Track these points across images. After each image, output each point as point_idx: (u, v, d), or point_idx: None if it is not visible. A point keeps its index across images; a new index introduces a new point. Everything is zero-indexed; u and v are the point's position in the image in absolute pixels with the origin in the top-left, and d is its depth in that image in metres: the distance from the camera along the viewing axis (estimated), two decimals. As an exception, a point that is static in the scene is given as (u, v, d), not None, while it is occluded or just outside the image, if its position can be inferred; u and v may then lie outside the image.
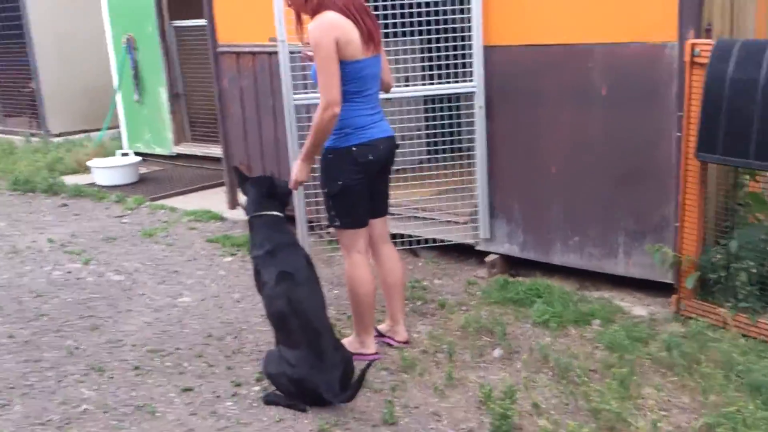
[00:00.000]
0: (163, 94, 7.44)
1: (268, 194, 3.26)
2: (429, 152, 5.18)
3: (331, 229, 3.54)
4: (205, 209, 5.80)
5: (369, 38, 2.96)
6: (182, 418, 2.85)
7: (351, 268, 3.19)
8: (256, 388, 3.07)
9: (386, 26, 4.06)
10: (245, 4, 5.03)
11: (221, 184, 6.09)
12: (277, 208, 3.26)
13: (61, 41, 9.16)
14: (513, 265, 4.23)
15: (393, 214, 4.44)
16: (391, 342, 3.39)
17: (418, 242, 4.46)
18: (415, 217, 4.49)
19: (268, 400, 2.94)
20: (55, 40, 9.13)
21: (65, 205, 6.29)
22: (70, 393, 3.06)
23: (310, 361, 2.84)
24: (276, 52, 4.34)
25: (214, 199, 6.09)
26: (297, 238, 3.61)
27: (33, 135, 9.10)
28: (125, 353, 3.43)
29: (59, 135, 9.06)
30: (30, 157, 7.98)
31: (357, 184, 3.08)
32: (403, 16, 4.22)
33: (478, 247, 4.31)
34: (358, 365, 2.96)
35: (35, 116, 9.36)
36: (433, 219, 4.43)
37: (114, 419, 2.85)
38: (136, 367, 3.28)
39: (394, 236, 4.46)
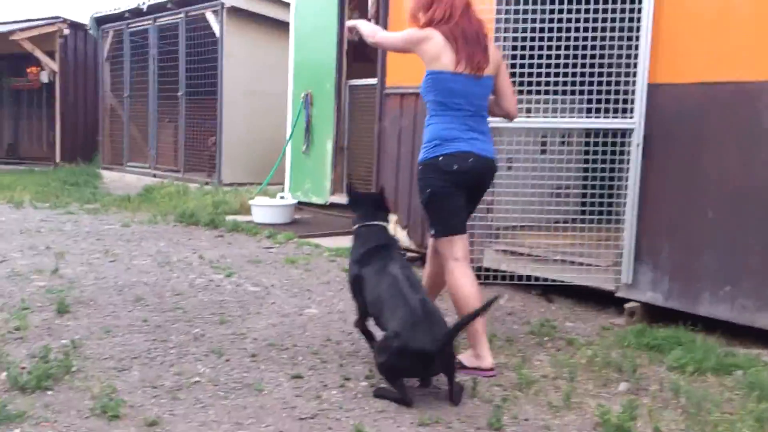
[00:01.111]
0: (329, 147, 7.83)
1: (376, 207, 3.36)
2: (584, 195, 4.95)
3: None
4: (347, 247, 5.92)
5: (468, 60, 3.14)
6: (287, 398, 2.82)
7: (450, 276, 3.24)
8: (364, 383, 3.00)
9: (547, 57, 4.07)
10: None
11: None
12: (384, 219, 3.38)
13: (247, 98, 10.02)
14: (654, 315, 3.88)
15: (530, 255, 4.30)
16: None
17: (553, 286, 4.24)
18: (553, 260, 4.29)
19: (378, 394, 2.85)
20: (243, 98, 10.00)
21: (221, 236, 6.69)
22: (187, 367, 3.13)
23: (411, 323, 2.77)
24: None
25: (357, 241, 6.23)
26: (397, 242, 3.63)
27: (207, 183, 9.87)
28: (246, 344, 3.48)
29: (230, 185, 9.76)
30: (200, 198, 8.62)
31: (445, 192, 3.18)
32: (567, 49, 4.18)
33: (618, 294, 4.01)
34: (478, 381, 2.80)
35: (212, 168, 10.17)
36: (572, 262, 4.20)
37: (222, 391, 2.87)
38: (253, 355, 3.31)
39: (525, 278, 4.30)
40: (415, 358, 2.74)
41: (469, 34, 3.18)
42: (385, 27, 5.44)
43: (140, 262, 5.29)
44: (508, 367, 3.22)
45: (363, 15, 8.17)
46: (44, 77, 13.77)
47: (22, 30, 12.89)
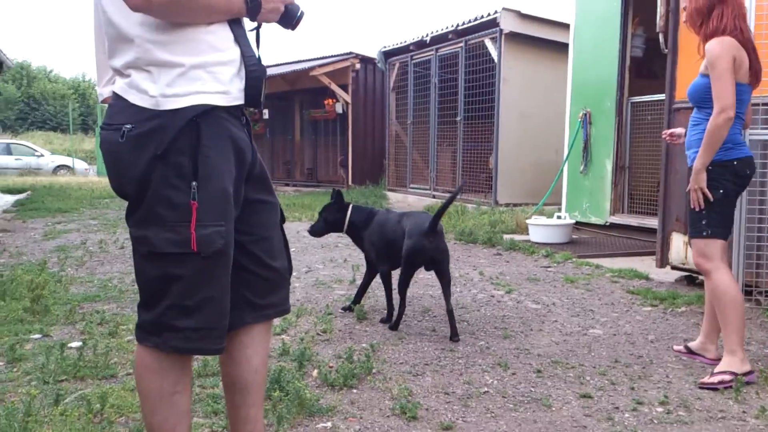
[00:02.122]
0: (608, 166, 7.59)
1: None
2: None
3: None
4: (631, 268, 5.69)
5: (754, 72, 3.19)
6: (576, 417, 2.76)
7: (722, 277, 3.18)
8: (659, 409, 2.83)
9: None
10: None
11: (651, 253, 5.91)
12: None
13: (522, 121, 10.12)
14: None
15: None
16: (703, 360, 3.44)
17: None
18: None
19: None
20: (518, 120, 10.13)
21: (499, 254, 6.80)
22: (475, 377, 3.22)
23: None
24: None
25: (641, 264, 5.97)
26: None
27: (483, 203, 10.10)
28: (530, 359, 3.49)
29: (505, 205, 9.89)
30: (477, 218, 8.86)
31: (735, 196, 3.22)
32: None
33: None
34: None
35: (489, 189, 10.40)
36: None
37: (510, 403, 2.90)
38: (538, 371, 3.30)
39: None
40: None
41: (751, 43, 3.19)
42: (674, 43, 5.18)
43: (425, 275, 5.57)
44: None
45: (647, 30, 7.81)
46: (339, 108, 15.22)
47: (320, 66, 14.42)
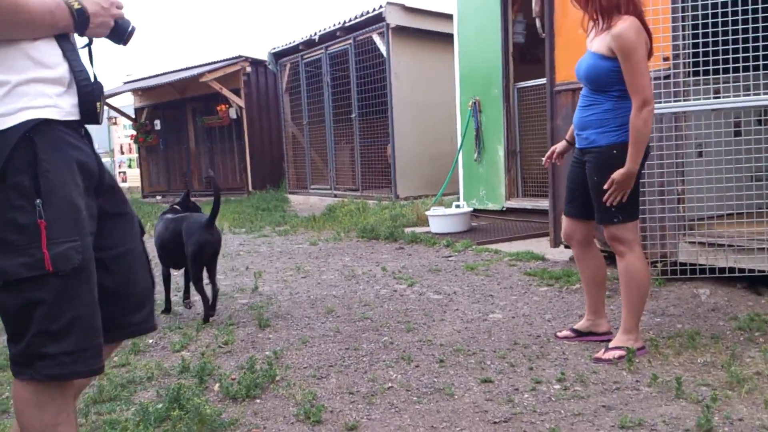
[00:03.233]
0: (501, 153, 7.78)
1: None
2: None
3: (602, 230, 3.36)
4: (527, 251, 5.85)
5: (649, 48, 3.10)
6: (478, 402, 2.80)
7: (635, 260, 3.19)
8: (557, 386, 2.91)
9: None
10: (581, 42, 5.08)
11: (546, 234, 6.09)
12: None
13: (416, 113, 10.24)
14: None
15: (731, 246, 3.97)
16: (595, 339, 3.49)
17: (761, 278, 3.87)
18: (758, 248, 3.92)
19: None
20: (412, 113, 10.24)
21: (401, 248, 6.84)
22: (379, 374, 3.21)
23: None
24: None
25: (538, 245, 6.16)
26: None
27: (384, 199, 10.16)
28: (433, 350, 3.52)
29: (405, 198, 9.99)
30: (378, 214, 8.90)
31: (639, 175, 3.13)
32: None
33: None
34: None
35: (388, 184, 10.47)
36: (782, 249, 3.81)
37: (414, 396, 2.91)
38: (441, 361, 3.33)
39: (727, 270, 3.99)
40: None
41: (643, 15, 3.10)
42: (550, 27, 5.33)
43: (329, 276, 5.55)
44: (716, 366, 2.99)
45: (526, 16, 8.06)
46: (232, 113, 14.94)
47: (210, 72, 14.10)
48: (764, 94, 3.99)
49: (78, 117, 1.74)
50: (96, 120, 1.78)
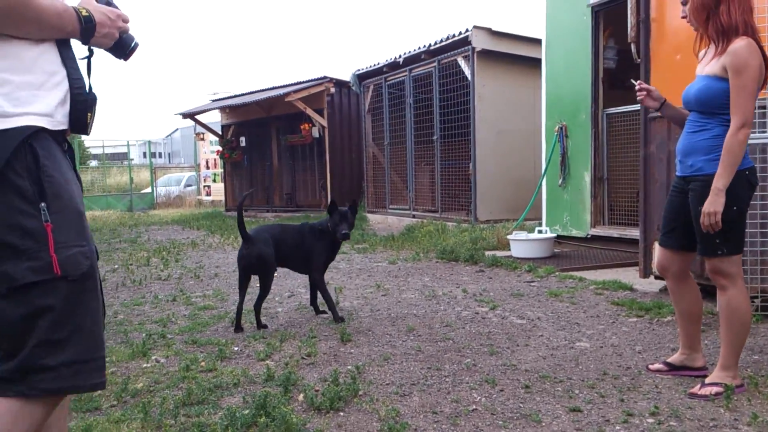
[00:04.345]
0: (587, 179, 7.62)
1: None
2: None
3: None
4: (614, 280, 5.69)
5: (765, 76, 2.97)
6: (567, 431, 2.71)
7: (738, 294, 3.05)
8: (650, 420, 2.78)
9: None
10: (682, 67, 4.94)
11: (634, 264, 5.91)
12: None
13: (499, 137, 10.16)
14: None
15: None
16: (690, 373, 3.34)
17: None
18: None
19: None
20: (495, 137, 10.17)
21: (482, 271, 6.77)
22: (463, 395, 3.17)
23: None
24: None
25: (625, 274, 5.99)
26: None
27: (463, 221, 10.10)
28: (518, 375, 3.44)
29: (485, 221, 9.89)
30: (457, 236, 8.84)
31: (747, 209, 3.03)
32: None
33: None
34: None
35: (467, 206, 10.41)
36: None
37: (500, 420, 2.85)
38: (526, 386, 3.26)
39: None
40: None
41: (761, 42, 2.96)
42: (646, 52, 5.21)
43: (408, 295, 5.54)
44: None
45: (618, 42, 7.91)
46: (315, 132, 15.20)
47: (295, 92, 14.41)
48: None
49: (66, 126, 1.72)
50: (85, 130, 1.75)
